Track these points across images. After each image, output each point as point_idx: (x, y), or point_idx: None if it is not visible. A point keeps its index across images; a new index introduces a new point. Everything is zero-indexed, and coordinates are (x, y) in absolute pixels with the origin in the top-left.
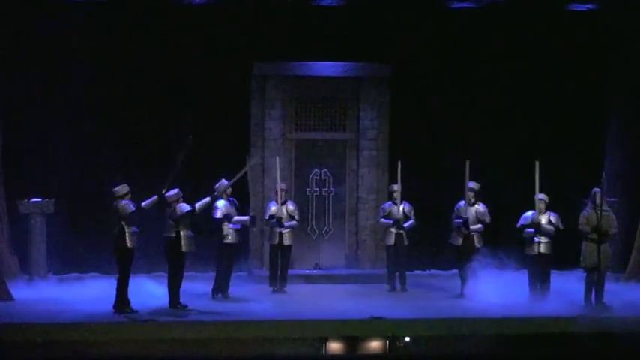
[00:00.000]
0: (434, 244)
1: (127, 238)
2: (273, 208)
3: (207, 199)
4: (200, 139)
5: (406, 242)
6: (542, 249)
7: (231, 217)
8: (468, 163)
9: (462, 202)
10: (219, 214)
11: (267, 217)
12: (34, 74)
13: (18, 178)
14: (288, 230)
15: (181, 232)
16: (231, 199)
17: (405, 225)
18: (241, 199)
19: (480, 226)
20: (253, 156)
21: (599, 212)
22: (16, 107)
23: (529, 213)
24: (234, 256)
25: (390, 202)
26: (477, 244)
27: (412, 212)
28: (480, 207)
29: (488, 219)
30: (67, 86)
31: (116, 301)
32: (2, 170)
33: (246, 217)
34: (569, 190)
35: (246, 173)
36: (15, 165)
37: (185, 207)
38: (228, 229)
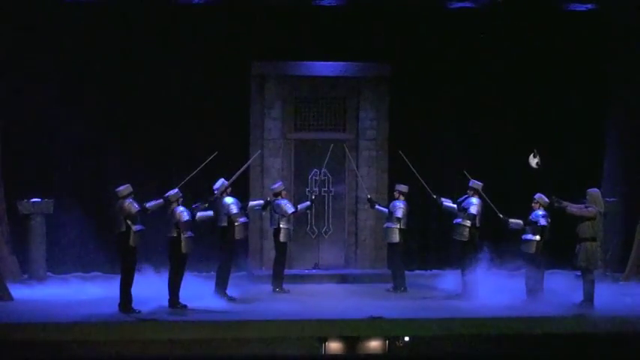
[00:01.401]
0: (436, 244)
1: (132, 237)
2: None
3: (210, 213)
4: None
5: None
6: (533, 248)
7: (245, 210)
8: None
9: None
10: (235, 209)
11: (296, 210)
12: (34, 74)
13: (18, 178)
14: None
15: (182, 233)
16: (230, 196)
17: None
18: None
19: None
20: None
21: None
22: (16, 107)
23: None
24: (237, 253)
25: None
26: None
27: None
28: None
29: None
30: (67, 86)
31: (121, 301)
32: (2, 170)
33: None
34: (569, 190)
35: (247, 168)
36: (15, 165)
37: (185, 215)
38: (240, 224)
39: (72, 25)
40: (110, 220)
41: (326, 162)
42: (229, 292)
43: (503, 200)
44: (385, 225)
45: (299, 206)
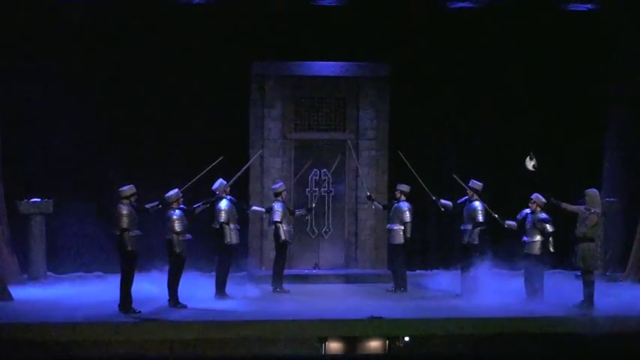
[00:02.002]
0: (436, 244)
1: (127, 241)
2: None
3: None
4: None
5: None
6: (537, 249)
7: (236, 218)
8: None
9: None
10: (224, 218)
11: (280, 221)
12: (34, 74)
13: (18, 178)
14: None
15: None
16: (228, 197)
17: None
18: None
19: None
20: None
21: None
22: (16, 107)
23: (527, 210)
24: (234, 257)
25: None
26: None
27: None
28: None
29: (480, 217)
30: (67, 86)
31: (121, 302)
32: (2, 170)
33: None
34: (569, 190)
35: (247, 169)
36: (15, 165)
37: (177, 226)
38: (230, 229)
39: (72, 25)
40: (110, 221)
41: (333, 168)
42: (229, 292)
43: (503, 200)
44: (388, 226)
45: (296, 212)
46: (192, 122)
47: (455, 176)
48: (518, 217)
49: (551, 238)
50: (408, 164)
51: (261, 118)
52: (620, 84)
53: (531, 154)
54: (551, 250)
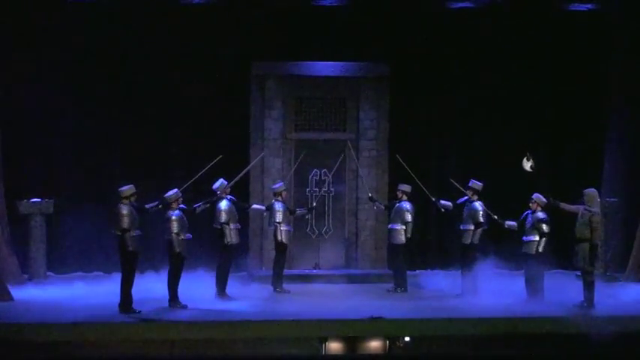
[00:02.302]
0: (436, 244)
1: (128, 241)
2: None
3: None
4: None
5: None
6: (536, 249)
7: (236, 218)
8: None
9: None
10: (224, 218)
11: (280, 221)
12: (34, 74)
13: (18, 178)
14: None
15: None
16: (228, 197)
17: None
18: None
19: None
20: (255, 155)
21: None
22: (17, 107)
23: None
24: (234, 257)
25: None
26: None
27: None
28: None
29: (480, 217)
30: (67, 86)
31: (121, 302)
32: (2, 170)
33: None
34: (569, 190)
35: (247, 172)
36: (15, 165)
37: (175, 226)
38: (230, 230)
39: (72, 24)
40: (111, 221)
41: (334, 169)
42: (230, 292)
43: (503, 200)
44: (389, 226)
45: (297, 211)
46: (192, 122)
47: (452, 180)
48: (521, 217)
49: (543, 239)
50: (407, 167)
51: (261, 118)
52: (620, 84)
53: (528, 154)
54: (540, 250)
